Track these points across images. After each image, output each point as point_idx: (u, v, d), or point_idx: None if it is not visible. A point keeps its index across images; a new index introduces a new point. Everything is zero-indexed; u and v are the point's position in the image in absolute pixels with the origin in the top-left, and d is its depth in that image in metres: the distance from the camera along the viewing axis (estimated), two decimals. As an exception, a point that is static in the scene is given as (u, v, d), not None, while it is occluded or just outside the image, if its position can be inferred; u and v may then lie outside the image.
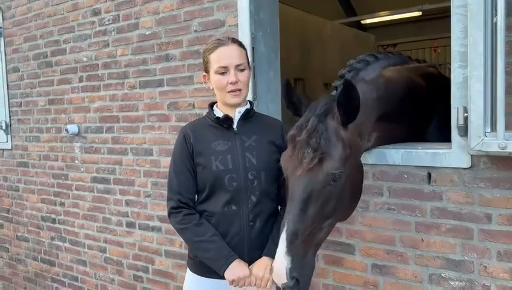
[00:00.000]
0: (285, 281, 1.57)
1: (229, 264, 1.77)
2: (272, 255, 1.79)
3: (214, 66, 1.84)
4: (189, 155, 1.87)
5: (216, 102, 1.97)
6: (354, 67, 2.06)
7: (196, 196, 1.93)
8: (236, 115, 1.90)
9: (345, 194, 1.70)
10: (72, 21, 3.59)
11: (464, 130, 1.90)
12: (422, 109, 2.32)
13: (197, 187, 1.90)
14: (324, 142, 1.63)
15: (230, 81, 1.81)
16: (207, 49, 1.88)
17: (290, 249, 1.57)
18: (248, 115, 1.93)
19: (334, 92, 1.99)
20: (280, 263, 1.58)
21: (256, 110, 2.02)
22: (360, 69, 2.06)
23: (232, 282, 1.77)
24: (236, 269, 1.76)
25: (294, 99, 1.84)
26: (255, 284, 1.79)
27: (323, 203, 1.64)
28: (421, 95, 2.33)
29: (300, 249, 1.60)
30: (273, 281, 1.71)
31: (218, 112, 1.92)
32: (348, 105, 1.64)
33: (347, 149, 1.68)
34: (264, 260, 1.81)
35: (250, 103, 1.97)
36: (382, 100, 2.01)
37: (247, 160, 1.84)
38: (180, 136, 1.92)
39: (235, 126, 1.90)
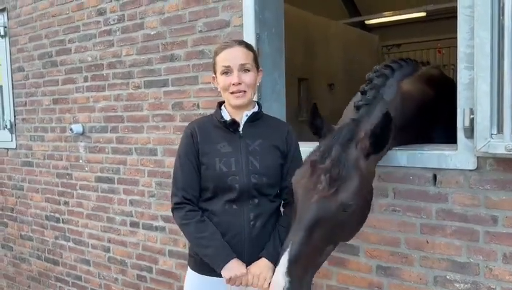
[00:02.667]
0: None
1: (227, 262, 1.77)
2: (270, 257, 1.81)
3: (219, 68, 1.87)
4: (195, 153, 1.89)
5: (224, 101, 1.98)
6: (375, 84, 2.05)
7: (201, 192, 1.93)
8: (243, 117, 1.91)
9: (352, 222, 1.71)
10: (77, 21, 3.60)
11: (470, 132, 1.89)
12: (430, 116, 2.34)
13: (200, 185, 1.91)
14: (345, 173, 1.63)
15: (232, 82, 1.82)
16: (214, 52, 1.92)
17: (290, 271, 1.57)
18: (255, 118, 1.93)
19: (355, 113, 1.98)
20: (278, 284, 1.57)
21: (264, 112, 2.02)
22: (380, 86, 2.06)
23: (229, 280, 1.77)
24: (234, 267, 1.77)
25: (317, 122, 1.85)
26: (252, 284, 1.79)
27: (330, 230, 1.64)
28: (430, 104, 2.35)
29: (300, 271, 1.60)
30: None
31: (226, 115, 1.92)
32: (381, 137, 1.66)
33: (364, 181, 1.69)
34: (263, 261, 1.82)
35: (259, 105, 1.97)
36: (398, 117, 2.00)
37: (251, 163, 1.85)
38: (186, 133, 1.93)
39: (240, 129, 1.90)
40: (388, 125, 1.65)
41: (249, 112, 1.91)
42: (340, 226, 1.66)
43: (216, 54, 1.90)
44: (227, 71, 1.84)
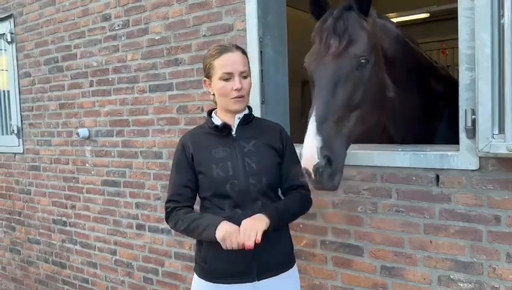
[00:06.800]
0: (317, 160, 1.55)
1: (217, 225, 1.72)
2: (267, 213, 1.76)
3: (218, 72, 1.84)
4: (187, 164, 1.89)
5: (214, 109, 1.98)
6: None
7: (202, 202, 1.94)
8: (235, 120, 1.91)
9: (370, 89, 1.73)
10: (82, 26, 3.64)
11: (472, 132, 1.91)
12: (431, 109, 2.35)
13: (198, 195, 1.92)
14: (351, 27, 1.69)
15: (235, 87, 1.82)
16: (210, 55, 1.87)
17: (320, 130, 1.58)
18: (247, 120, 1.94)
19: None
20: (311, 142, 1.56)
21: (263, 114, 2.04)
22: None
23: (224, 241, 1.69)
24: (224, 226, 1.71)
25: (321, 2, 1.90)
26: (244, 237, 1.68)
27: (350, 90, 1.67)
28: (431, 98, 2.36)
29: (330, 131, 1.61)
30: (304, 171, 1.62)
31: (217, 120, 1.92)
32: None
33: (371, 38, 1.73)
34: (257, 215, 1.76)
35: (249, 108, 1.98)
36: (404, 58, 2.11)
37: (247, 165, 1.85)
38: (178, 147, 1.95)
39: (233, 132, 1.91)
40: None
41: (240, 115, 1.92)
42: (359, 88, 1.69)
43: (212, 57, 1.85)
44: (229, 78, 1.83)
